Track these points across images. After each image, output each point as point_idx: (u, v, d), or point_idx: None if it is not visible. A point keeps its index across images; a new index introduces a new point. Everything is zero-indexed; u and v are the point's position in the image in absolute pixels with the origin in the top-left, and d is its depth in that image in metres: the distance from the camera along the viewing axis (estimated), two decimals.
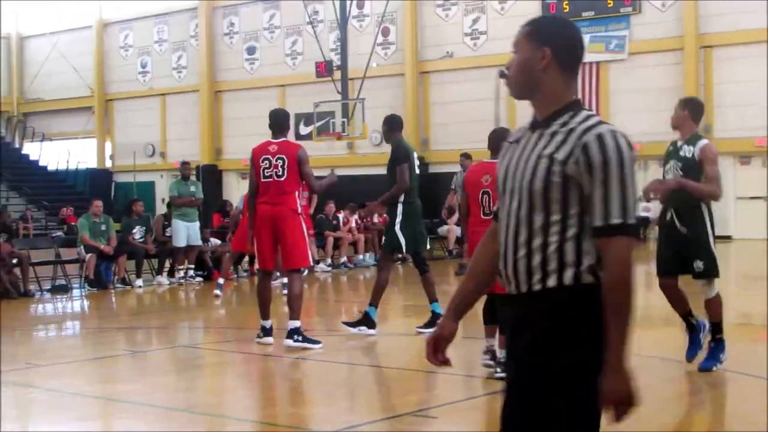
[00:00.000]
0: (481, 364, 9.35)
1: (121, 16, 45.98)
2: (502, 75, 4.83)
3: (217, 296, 17.13)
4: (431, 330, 11.76)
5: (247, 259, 20.58)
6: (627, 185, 3.35)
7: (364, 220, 24.43)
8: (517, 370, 3.47)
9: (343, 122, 31.70)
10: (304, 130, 34.35)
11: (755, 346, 11.28)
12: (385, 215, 14.00)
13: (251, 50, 41.77)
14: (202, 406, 8.71)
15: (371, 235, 24.28)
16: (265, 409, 8.77)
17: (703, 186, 8.82)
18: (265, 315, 11.43)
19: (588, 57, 33.47)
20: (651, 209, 23.39)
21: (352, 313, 14.10)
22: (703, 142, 8.99)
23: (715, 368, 9.02)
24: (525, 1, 34.62)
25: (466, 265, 4.27)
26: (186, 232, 19.70)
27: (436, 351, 3.75)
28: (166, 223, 20.53)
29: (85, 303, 18.18)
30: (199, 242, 20.15)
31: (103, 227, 19.43)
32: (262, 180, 11.26)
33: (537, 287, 3.43)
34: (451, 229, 24.70)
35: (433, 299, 12.22)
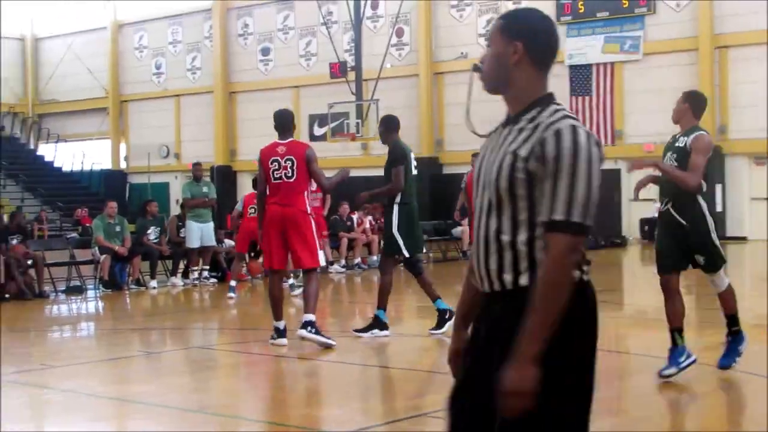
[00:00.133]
0: None
1: (135, 18, 46.09)
2: (475, 69, 4.78)
3: (230, 298, 17.15)
4: (443, 330, 11.78)
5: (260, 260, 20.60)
6: (578, 182, 3.26)
7: (378, 222, 24.42)
8: (491, 373, 3.35)
9: (358, 123, 31.72)
10: (318, 131, 34.44)
11: None
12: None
13: (265, 51, 41.82)
14: (215, 407, 8.72)
15: None
16: (279, 411, 8.77)
17: (679, 172, 8.57)
18: (277, 316, 11.43)
19: (603, 57, 33.49)
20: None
21: (365, 313, 14.09)
22: (699, 132, 8.74)
23: (735, 363, 8.86)
24: (539, 1, 34.56)
25: None
26: (200, 233, 19.70)
27: (458, 364, 3.72)
28: (180, 224, 20.56)
29: (100, 304, 18.21)
30: (213, 243, 20.15)
31: (118, 228, 19.46)
32: (272, 181, 11.29)
33: (509, 286, 3.39)
34: (465, 230, 24.67)
35: (435, 298, 12.19)
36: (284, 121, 11.64)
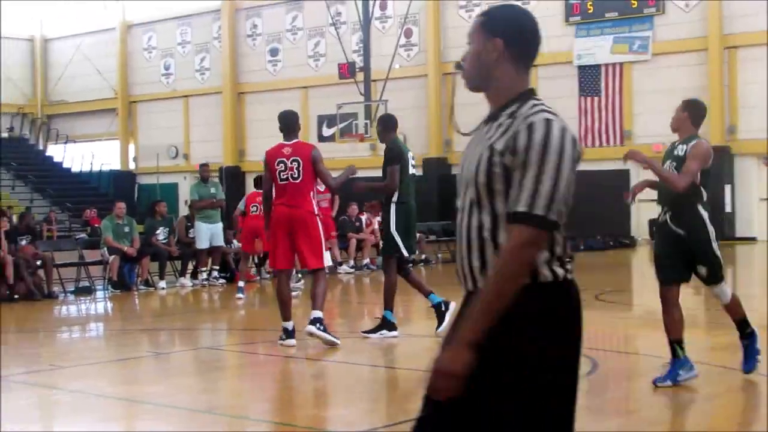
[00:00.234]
0: None
1: (144, 18, 46.19)
2: (458, 67, 4.72)
3: (239, 299, 17.15)
4: (446, 324, 11.74)
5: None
6: (545, 174, 3.21)
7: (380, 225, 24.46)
8: (477, 376, 3.28)
9: (366, 124, 31.72)
10: (326, 131, 34.39)
11: None
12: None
13: (274, 52, 41.87)
14: (224, 407, 8.73)
15: None
16: (287, 411, 8.76)
17: (668, 173, 8.46)
18: (286, 316, 11.44)
19: (611, 58, 33.47)
20: None
21: (374, 314, 14.08)
22: (697, 140, 8.54)
23: (759, 363, 8.75)
24: (547, 1, 34.56)
25: None
26: (208, 234, 19.72)
27: None
28: (188, 224, 20.58)
29: (109, 305, 18.23)
30: (222, 244, 20.17)
31: (127, 229, 19.49)
32: (279, 182, 11.34)
33: None
34: None
35: (427, 293, 12.17)
36: (289, 122, 11.68)
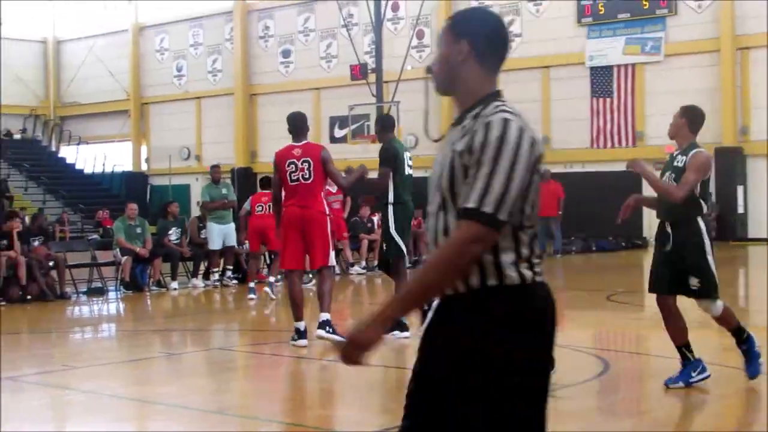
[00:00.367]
0: None
1: (156, 20, 46.26)
2: (428, 71, 4.72)
3: (251, 299, 17.17)
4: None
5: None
6: (497, 172, 3.18)
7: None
8: (444, 379, 3.32)
9: None
10: (338, 133, 34.44)
11: None
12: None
13: (286, 53, 41.90)
14: (235, 408, 8.75)
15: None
16: (298, 412, 8.77)
17: (663, 183, 8.40)
18: (298, 316, 11.46)
19: (623, 59, 33.42)
20: None
21: None
22: (695, 150, 8.41)
23: (762, 365, 8.58)
24: (560, 1, 34.54)
25: None
26: (221, 234, 19.75)
27: None
28: (200, 225, 20.61)
29: (121, 305, 18.28)
30: (234, 244, 20.18)
31: (139, 230, 19.53)
32: (290, 183, 11.40)
33: (461, 288, 3.32)
34: None
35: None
36: (298, 124, 11.77)
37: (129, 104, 47.22)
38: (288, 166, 11.42)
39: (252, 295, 17.28)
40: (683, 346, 8.55)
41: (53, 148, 49.21)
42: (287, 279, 12.05)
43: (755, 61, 31.53)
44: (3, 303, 17.03)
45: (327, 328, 11.15)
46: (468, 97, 3.46)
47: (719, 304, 8.48)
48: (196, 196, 37.86)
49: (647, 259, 8.64)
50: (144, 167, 47.33)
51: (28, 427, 7.96)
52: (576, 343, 11.34)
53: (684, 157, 8.44)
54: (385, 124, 12.63)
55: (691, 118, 8.65)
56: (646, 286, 8.97)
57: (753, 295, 17.51)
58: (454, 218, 3.31)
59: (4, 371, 10.13)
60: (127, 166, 46.94)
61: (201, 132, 44.79)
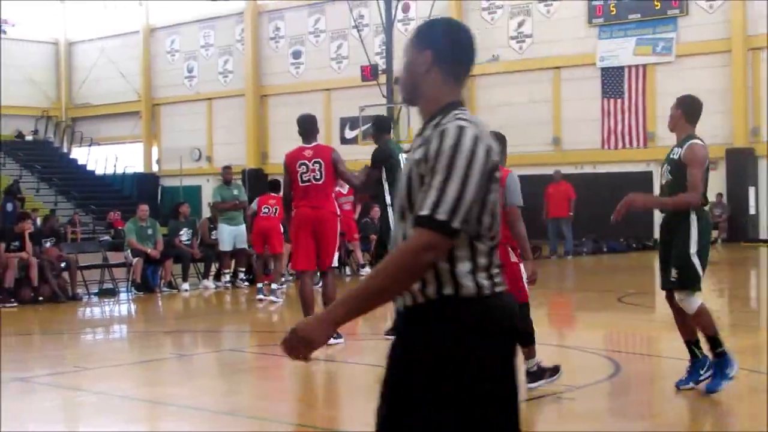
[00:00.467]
0: None
1: (167, 21, 46.33)
2: (395, 81, 4.69)
3: (260, 300, 17.18)
4: None
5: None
6: (451, 180, 3.17)
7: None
8: (415, 387, 3.30)
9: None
10: (349, 134, 34.45)
11: None
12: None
13: (297, 54, 41.92)
14: (246, 409, 8.75)
15: None
16: (309, 413, 8.78)
17: (675, 200, 8.25)
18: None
19: (635, 60, 33.35)
20: None
21: None
22: (691, 142, 8.32)
23: (721, 387, 8.27)
24: (571, 1, 34.49)
25: None
26: (231, 236, 19.74)
27: None
28: (211, 226, 20.61)
29: (132, 306, 18.31)
30: (245, 246, 20.18)
31: (150, 231, 19.55)
32: (301, 185, 11.44)
33: (420, 299, 3.32)
34: None
35: None
36: (308, 126, 11.84)
37: (140, 105, 47.31)
38: (299, 167, 11.47)
39: (261, 296, 17.28)
40: (691, 342, 8.50)
41: (65, 150, 49.32)
42: (299, 279, 12.08)
43: (767, 61, 31.44)
44: (15, 304, 17.08)
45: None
46: (431, 106, 3.46)
47: (696, 300, 8.29)
48: (207, 197, 37.95)
49: (658, 260, 8.59)
50: (155, 168, 47.41)
51: (41, 428, 7.97)
52: (587, 344, 11.33)
53: (679, 149, 8.37)
54: (381, 126, 12.65)
55: (686, 110, 8.60)
56: (658, 286, 8.91)
57: (765, 298, 17.46)
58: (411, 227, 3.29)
59: (16, 372, 10.17)
60: (138, 167, 47.02)
61: (212, 133, 44.85)
